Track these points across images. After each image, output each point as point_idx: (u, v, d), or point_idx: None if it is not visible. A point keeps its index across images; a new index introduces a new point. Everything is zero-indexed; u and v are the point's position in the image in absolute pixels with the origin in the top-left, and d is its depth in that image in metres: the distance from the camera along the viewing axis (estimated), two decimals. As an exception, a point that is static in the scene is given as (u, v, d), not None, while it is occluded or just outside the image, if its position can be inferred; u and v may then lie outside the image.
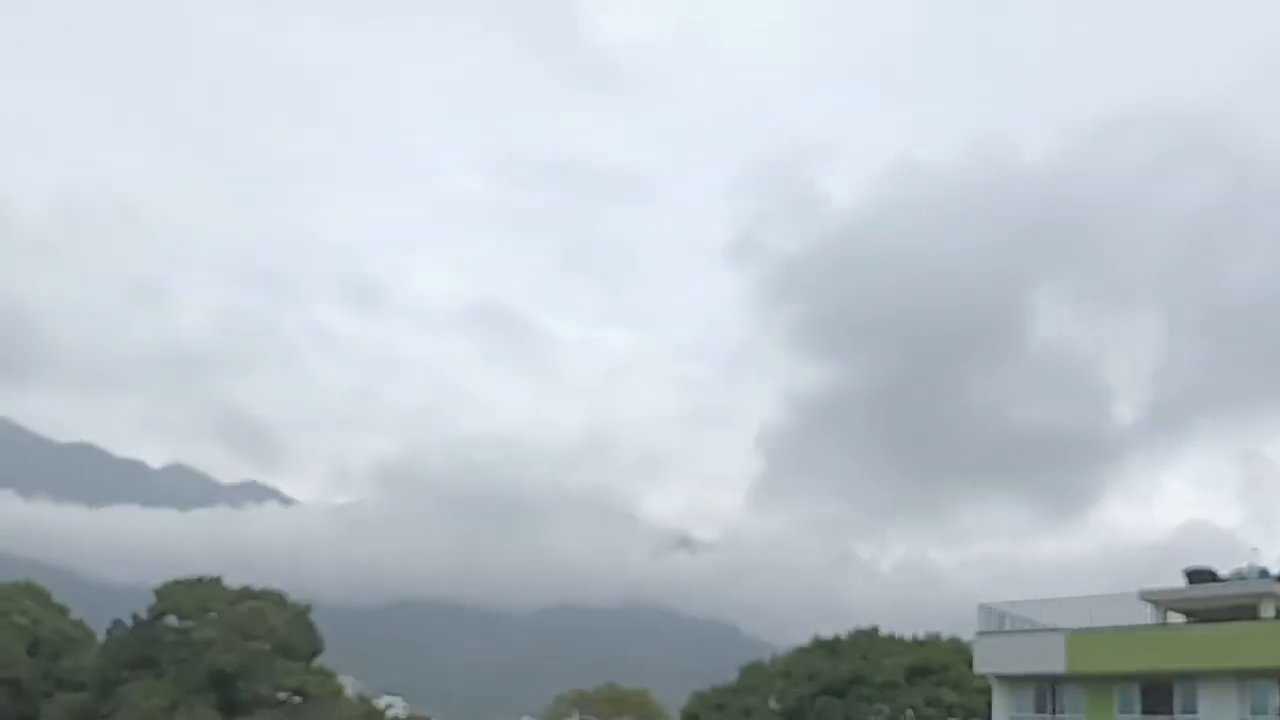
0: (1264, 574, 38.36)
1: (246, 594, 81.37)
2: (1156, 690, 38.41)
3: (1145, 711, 38.50)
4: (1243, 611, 37.93)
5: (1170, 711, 37.84)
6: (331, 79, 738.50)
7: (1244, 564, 39.17)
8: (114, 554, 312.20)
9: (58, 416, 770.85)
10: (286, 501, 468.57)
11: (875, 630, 78.49)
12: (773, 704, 75.99)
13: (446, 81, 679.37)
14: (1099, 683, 39.75)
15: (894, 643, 76.50)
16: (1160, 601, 40.46)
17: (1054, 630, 40.75)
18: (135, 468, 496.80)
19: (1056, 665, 40.21)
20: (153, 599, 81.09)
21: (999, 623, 43.60)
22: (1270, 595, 37.64)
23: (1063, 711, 40.76)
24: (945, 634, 75.58)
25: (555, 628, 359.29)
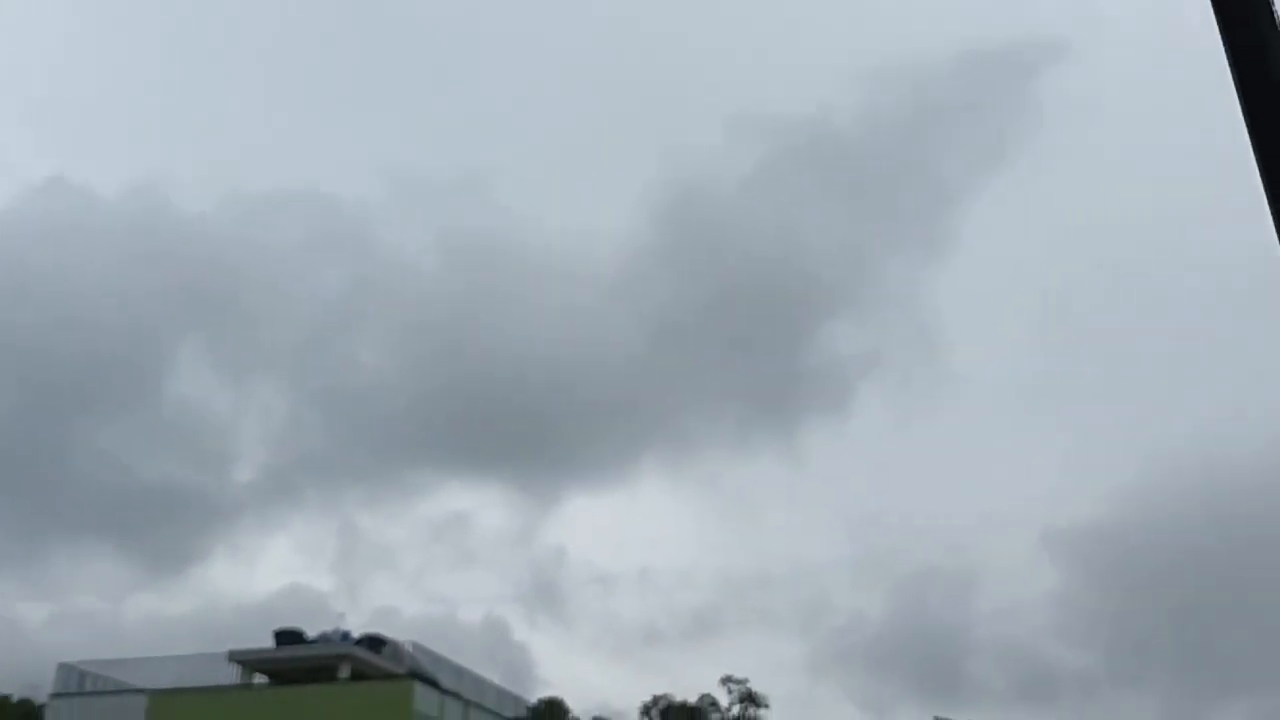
0: (346, 637, 41.36)
1: None
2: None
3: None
4: (324, 673, 40.42)
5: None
6: None
7: (331, 627, 41.93)
8: None
9: None
10: None
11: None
12: None
13: None
14: (176, 744, 39.39)
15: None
16: (247, 662, 41.46)
17: (137, 691, 39.65)
18: None
19: (136, 727, 39.05)
20: None
21: (80, 683, 41.23)
22: (349, 657, 40.66)
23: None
24: (16, 695, 69.10)
25: None
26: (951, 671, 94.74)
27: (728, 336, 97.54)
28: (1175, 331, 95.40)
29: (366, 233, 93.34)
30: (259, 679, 41.88)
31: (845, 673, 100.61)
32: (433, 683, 40.84)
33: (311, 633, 41.89)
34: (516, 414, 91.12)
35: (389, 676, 40.84)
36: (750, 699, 73.95)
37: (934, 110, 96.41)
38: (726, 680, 74.39)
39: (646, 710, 74.90)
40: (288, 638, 41.86)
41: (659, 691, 75.72)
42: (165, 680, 39.79)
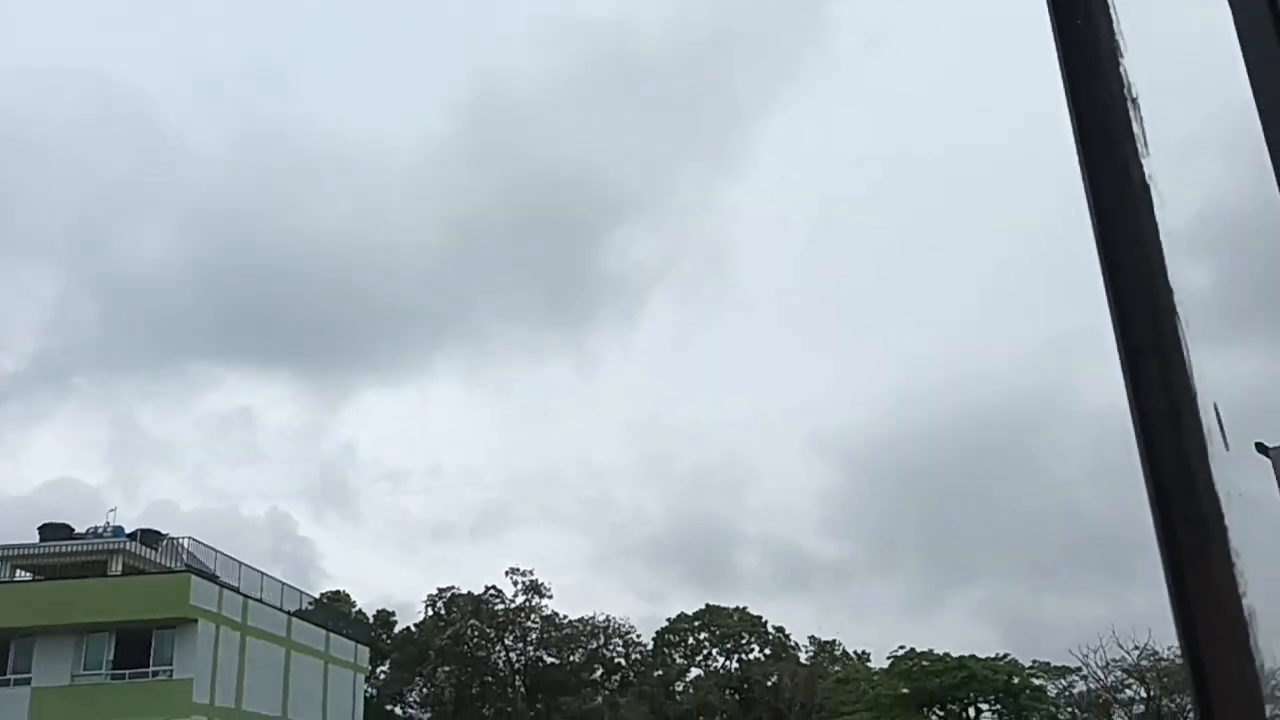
0: (118, 531, 39.85)
1: None
2: (-8, 649, 37.31)
3: (-24, 672, 37.14)
4: (94, 568, 38.92)
5: (3, 671, 37.04)
6: None
7: (103, 523, 40.27)
8: None
9: None
10: None
11: None
12: None
13: None
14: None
15: None
16: (8, 557, 39.50)
17: (-116, 589, 37.23)
18: None
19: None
20: None
21: None
22: (120, 552, 39.26)
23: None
24: None
25: None
26: (723, 563, 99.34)
27: (524, 239, 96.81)
28: (942, 255, 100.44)
29: (148, 115, 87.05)
30: (22, 575, 39.93)
31: (626, 564, 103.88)
32: (211, 577, 39.91)
33: (80, 527, 40.17)
34: (306, 308, 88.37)
35: (164, 571, 39.70)
36: (534, 589, 75.53)
37: (733, 28, 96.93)
38: (511, 572, 75.70)
39: (432, 602, 75.48)
40: (54, 532, 40.01)
41: (445, 585, 76.45)
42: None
